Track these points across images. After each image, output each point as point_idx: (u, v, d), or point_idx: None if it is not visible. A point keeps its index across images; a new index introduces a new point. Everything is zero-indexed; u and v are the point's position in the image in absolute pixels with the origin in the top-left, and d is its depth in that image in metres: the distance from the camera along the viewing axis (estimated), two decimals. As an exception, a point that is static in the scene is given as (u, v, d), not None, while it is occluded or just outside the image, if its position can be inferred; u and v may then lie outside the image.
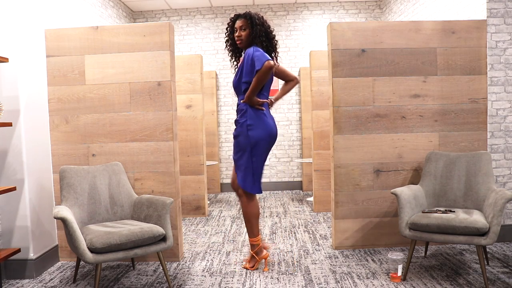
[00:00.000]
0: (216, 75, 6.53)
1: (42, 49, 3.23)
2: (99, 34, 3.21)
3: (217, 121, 6.48)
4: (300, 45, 6.51)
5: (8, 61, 2.82)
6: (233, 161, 3.09)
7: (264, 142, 2.86)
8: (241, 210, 5.08)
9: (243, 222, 4.51)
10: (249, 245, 3.15)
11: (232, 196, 6.20)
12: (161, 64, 3.18)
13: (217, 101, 6.55)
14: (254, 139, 2.83)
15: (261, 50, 2.81)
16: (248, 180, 2.89)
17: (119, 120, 3.24)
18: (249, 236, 2.98)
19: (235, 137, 2.93)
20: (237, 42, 2.92)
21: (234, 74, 2.98)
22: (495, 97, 3.49)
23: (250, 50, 2.84)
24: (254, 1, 6.29)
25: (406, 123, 3.40)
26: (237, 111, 2.97)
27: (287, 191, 6.52)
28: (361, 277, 2.82)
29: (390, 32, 3.36)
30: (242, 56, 2.96)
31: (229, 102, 6.54)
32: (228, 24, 2.98)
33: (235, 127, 2.96)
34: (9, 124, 2.74)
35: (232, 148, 6.49)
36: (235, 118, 3.03)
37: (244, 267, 3.02)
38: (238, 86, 2.92)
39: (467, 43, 3.40)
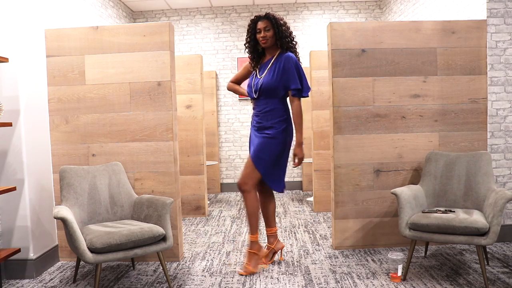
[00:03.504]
0: (216, 75, 6.52)
1: (42, 49, 3.22)
2: (99, 34, 3.21)
3: (217, 121, 6.48)
4: (300, 45, 6.47)
5: (8, 61, 2.82)
6: (246, 159, 3.15)
7: (290, 145, 3.12)
8: (241, 210, 5.08)
9: (245, 221, 4.51)
10: (266, 238, 3.20)
11: (232, 196, 6.20)
12: (161, 64, 3.18)
13: (217, 101, 6.55)
14: (288, 142, 3.09)
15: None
16: (276, 179, 3.04)
17: (119, 120, 3.24)
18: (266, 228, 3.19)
19: (268, 137, 2.98)
20: (262, 42, 2.93)
21: (265, 74, 2.94)
22: (495, 97, 3.49)
23: (293, 58, 2.91)
24: (254, 1, 6.29)
25: (406, 123, 3.40)
26: (267, 112, 2.97)
27: (287, 191, 6.51)
28: (361, 277, 2.82)
29: (390, 32, 3.36)
30: (274, 57, 2.96)
31: (229, 102, 6.54)
32: (249, 25, 2.99)
33: (260, 127, 3.01)
34: (9, 124, 2.74)
35: (232, 147, 6.52)
36: (259, 121, 3.03)
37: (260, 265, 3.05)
38: (276, 87, 2.92)
39: (467, 43, 3.40)
